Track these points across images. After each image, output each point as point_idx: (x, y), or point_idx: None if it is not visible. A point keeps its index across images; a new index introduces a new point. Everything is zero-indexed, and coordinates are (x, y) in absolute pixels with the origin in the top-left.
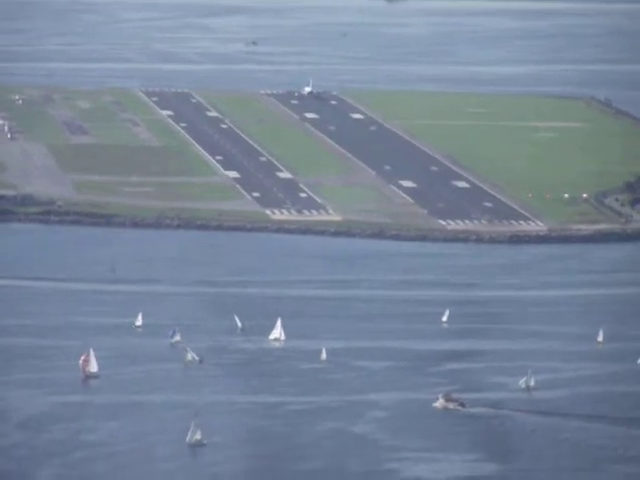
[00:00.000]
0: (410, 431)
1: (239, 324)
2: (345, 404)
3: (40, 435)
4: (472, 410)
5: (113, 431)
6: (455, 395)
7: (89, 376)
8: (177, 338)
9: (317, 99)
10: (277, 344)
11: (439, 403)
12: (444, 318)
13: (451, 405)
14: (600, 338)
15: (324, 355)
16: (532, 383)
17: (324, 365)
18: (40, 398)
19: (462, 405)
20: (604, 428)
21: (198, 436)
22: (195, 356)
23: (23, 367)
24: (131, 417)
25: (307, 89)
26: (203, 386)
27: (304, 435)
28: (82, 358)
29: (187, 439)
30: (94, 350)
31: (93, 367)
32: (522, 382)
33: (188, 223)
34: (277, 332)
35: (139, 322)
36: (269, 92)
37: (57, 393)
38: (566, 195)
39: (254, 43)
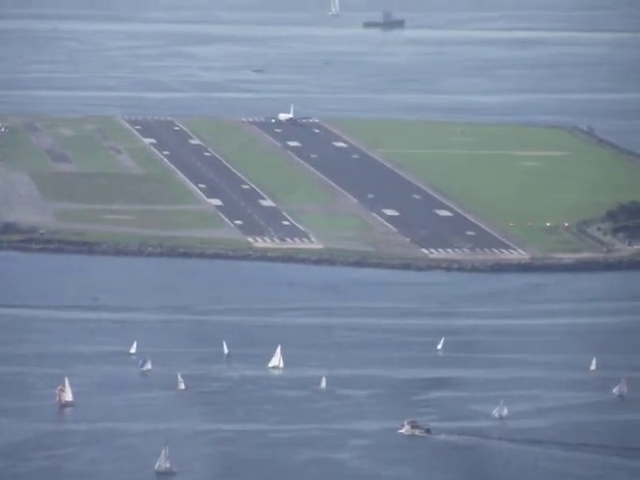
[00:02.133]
0: (390, 459)
1: (226, 351)
2: (327, 432)
3: (22, 463)
4: (439, 437)
5: (91, 460)
6: (420, 422)
7: (64, 405)
8: (148, 367)
9: (297, 125)
10: (276, 372)
11: (405, 430)
12: (439, 346)
13: (417, 432)
14: (593, 367)
15: (324, 384)
16: (505, 412)
17: (313, 394)
18: (17, 426)
19: (428, 431)
20: (575, 456)
21: (167, 464)
22: (182, 384)
23: (1, 395)
24: (102, 445)
25: (285, 115)
26: (183, 414)
27: (284, 463)
28: (59, 388)
29: (156, 467)
30: (72, 378)
31: (68, 396)
32: (495, 411)
33: (170, 251)
34: (276, 360)
35: (133, 350)
36: (250, 120)
37: (34, 421)
38: (548, 224)
39: (260, 70)
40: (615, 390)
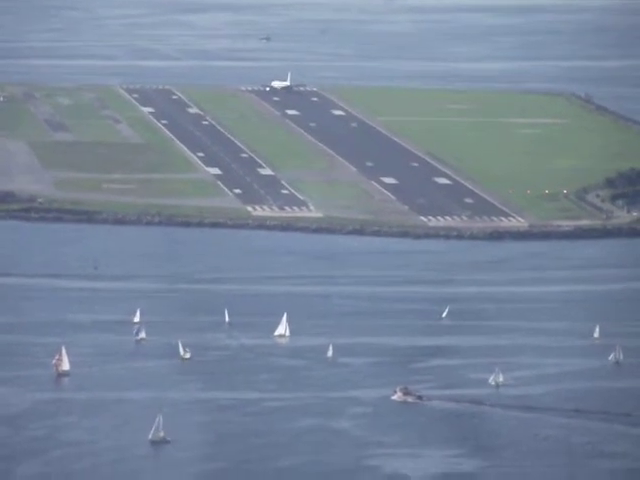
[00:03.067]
0: (388, 426)
1: (227, 319)
2: (325, 401)
3: (20, 432)
4: (431, 403)
5: (88, 429)
6: (412, 388)
7: (61, 374)
8: (142, 335)
9: (293, 93)
10: (282, 340)
11: (397, 396)
12: (444, 315)
13: (409, 398)
14: (596, 334)
15: (330, 352)
16: (500, 379)
17: (316, 362)
18: (17, 396)
19: (420, 398)
20: (568, 422)
21: (161, 433)
22: (187, 353)
23: (2, 364)
24: (98, 414)
25: (280, 83)
26: (183, 383)
27: (281, 433)
28: (56, 357)
29: (149, 436)
30: (70, 347)
31: (65, 365)
32: (491, 379)
33: (169, 220)
34: (282, 328)
35: (137, 318)
36: (248, 88)
37: (31, 391)
38: (547, 191)
39: (267, 39)
40: (611, 357)
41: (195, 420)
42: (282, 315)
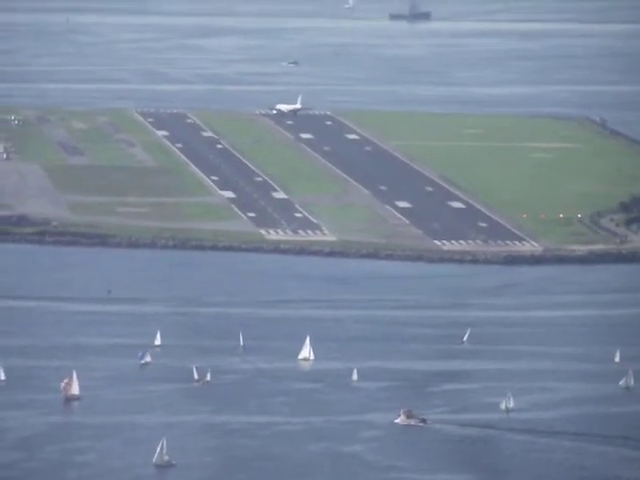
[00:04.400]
0: (404, 451)
1: (241, 343)
2: (339, 424)
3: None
4: (435, 426)
5: (98, 452)
6: (416, 411)
7: (70, 398)
8: (147, 359)
9: (299, 116)
10: (306, 364)
11: (400, 419)
12: (465, 338)
13: (413, 421)
14: (617, 359)
15: (355, 376)
16: (511, 404)
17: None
18: (28, 420)
19: (423, 421)
20: (574, 446)
21: (166, 457)
22: (196, 374)
23: (14, 388)
24: (105, 439)
25: (286, 106)
26: (195, 407)
27: (292, 456)
28: (65, 381)
29: (154, 460)
30: (82, 371)
31: (75, 389)
32: (502, 404)
33: (183, 243)
34: (306, 351)
35: (158, 342)
36: (261, 112)
37: (43, 415)
38: (561, 215)
39: (295, 63)
40: (622, 382)
41: (204, 444)
42: (303, 339)
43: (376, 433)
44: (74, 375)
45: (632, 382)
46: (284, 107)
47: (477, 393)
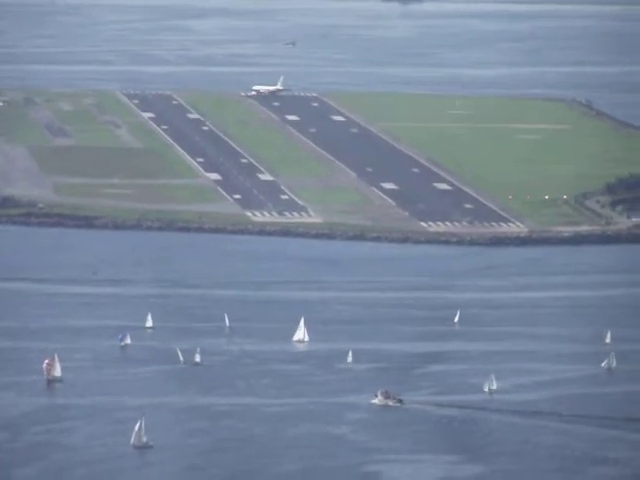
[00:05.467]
0: (389, 432)
1: (227, 324)
2: (324, 406)
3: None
4: (412, 406)
5: (79, 434)
6: (392, 392)
7: (52, 380)
8: (127, 341)
9: (277, 97)
10: (301, 346)
11: (378, 400)
12: (455, 319)
13: (390, 402)
14: (608, 339)
15: (350, 358)
16: (494, 386)
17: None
18: (9, 401)
19: (400, 402)
20: (550, 426)
21: (144, 438)
22: (181, 356)
23: None
24: (82, 420)
25: (262, 87)
26: (180, 388)
27: (279, 438)
28: (46, 362)
29: (131, 441)
30: (66, 353)
31: (57, 371)
32: (485, 385)
33: (169, 225)
34: (300, 333)
35: (149, 323)
36: (247, 94)
37: (26, 396)
38: (547, 197)
39: (292, 44)
40: (604, 364)
41: (184, 426)
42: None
43: (361, 415)
44: (56, 357)
45: (614, 363)
46: (263, 88)
47: (463, 375)
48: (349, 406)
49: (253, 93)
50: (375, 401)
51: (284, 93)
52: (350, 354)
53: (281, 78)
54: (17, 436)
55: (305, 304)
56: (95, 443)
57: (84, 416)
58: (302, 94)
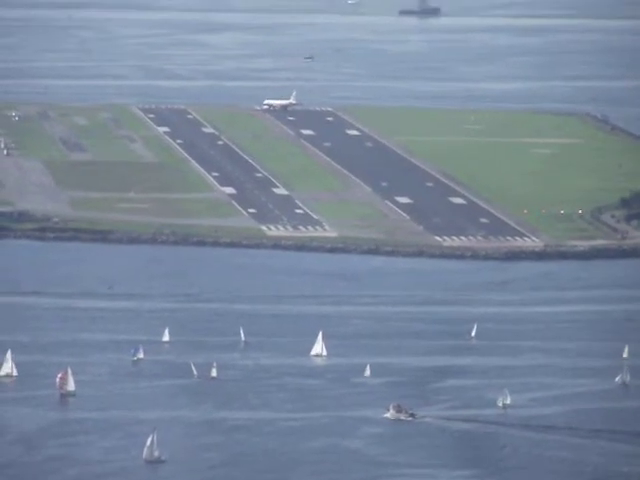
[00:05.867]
0: (404, 447)
1: (243, 338)
2: (339, 420)
3: (35, 452)
4: (425, 420)
5: (98, 449)
6: (405, 406)
7: (65, 394)
8: (140, 355)
9: (288, 112)
10: (319, 360)
11: (390, 414)
12: (473, 333)
13: (402, 416)
14: (625, 354)
15: (368, 372)
16: (508, 401)
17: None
18: (26, 416)
19: (412, 416)
20: (566, 442)
21: (155, 452)
22: (195, 370)
23: (11, 384)
24: (96, 434)
25: (274, 102)
26: (194, 403)
27: (293, 452)
28: (59, 376)
29: (143, 455)
30: (80, 367)
31: (70, 385)
32: (499, 400)
33: (184, 239)
34: (318, 348)
35: (166, 338)
36: (262, 108)
37: (43, 410)
38: (562, 211)
39: (310, 58)
40: (618, 379)
41: (198, 440)
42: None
43: (376, 429)
44: (69, 371)
45: (628, 378)
46: (275, 102)
47: (477, 389)
48: (364, 420)
49: (265, 107)
50: (387, 415)
51: (297, 107)
52: (368, 368)
53: (294, 92)
54: (31, 450)
55: (321, 318)
56: (107, 457)
57: (97, 430)
58: (317, 108)
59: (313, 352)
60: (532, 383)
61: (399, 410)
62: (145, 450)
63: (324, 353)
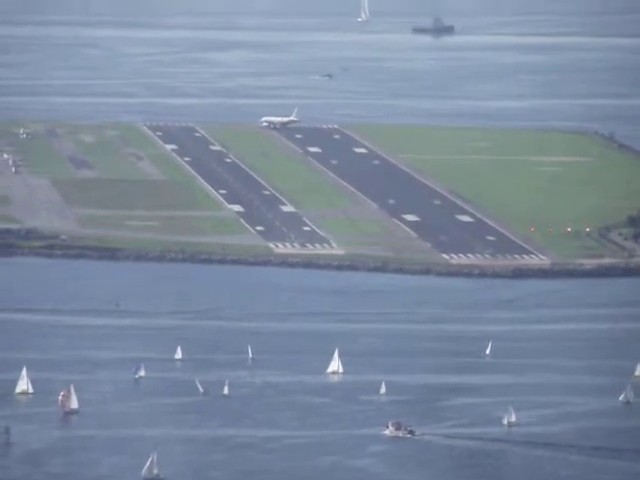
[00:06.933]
0: (411, 465)
1: (250, 356)
2: (346, 438)
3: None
4: (424, 437)
5: (97, 468)
6: (404, 423)
7: (68, 412)
8: (141, 373)
9: (286, 129)
10: (336, 377)
11: (389, 431)
12: (487, 351)
13: (400, 433)
14: (638, 372)
15: (383, 389)
16: (513, 418)
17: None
18: (31, 434)
19: (411, 433)
20: (569, 460)
21: (155, 470)
22: (200, 388)
23: (15, 401)
24: (101, 452)
25: (271, 119)
26: (202, 420)
27: (299, 470)
28: (61, 394)
29: (142, 473)
30: (86, 385)
31: (73, 403)
32: (504, 418)
33: (192, 257)
34: (335, 365)
35: (178, 355)
36: (264, 124)
37: (42, 429)
38: (569, 229)
39: (329, 76)
40: (621, 397)
41: (198, 458)
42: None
43: (382, 447)
44: (72, 389)
45: (632, 396)
46: (275, 119)
47: (483, 407)
48: (371, 438)
49: (265, 124)
50: (386, 432)
51: (299, 124)
52: (383, 385)
53: (295, 109)
54: (37, 468)
55: (330, 335)
56: (107, 475)
57: (98, 448)
58: (323, 126)
59: (330, 369)
60: (538, 401)
61: (398, 427)
62: (145, 468)
63: (340, 370)
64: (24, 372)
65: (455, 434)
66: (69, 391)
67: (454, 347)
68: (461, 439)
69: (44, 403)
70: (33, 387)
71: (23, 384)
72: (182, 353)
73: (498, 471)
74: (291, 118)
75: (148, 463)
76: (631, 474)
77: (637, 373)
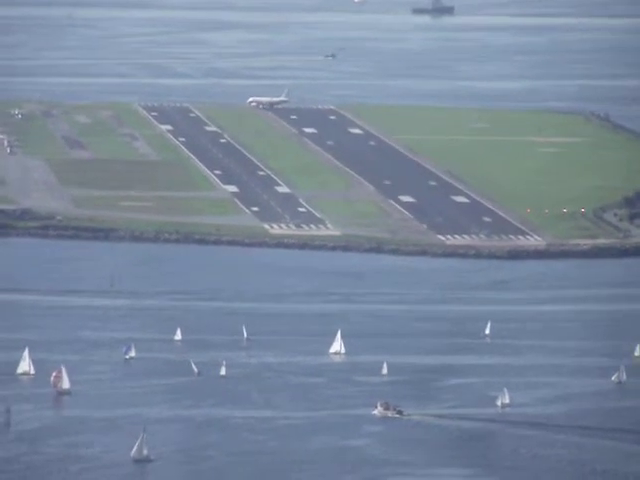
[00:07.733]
0: (405, 445)
1: (245, 336)
2: (341, 419)
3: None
4: (412, 417)
5: (82, 447)
6: (392, 403)
7: (61, 392)
8: (132, 354)
9: (273, 110)
10: (338, 358)
11: (377, 411)
12: (487, 331)
13: (389, 413)
14: (637, 353)
15: (385, 370)
16: (507, 400)
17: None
18: (24, 414)
19: (400, 413)
20: (556, 439)
21: (144, 451)
22: (195, 368)
23: (10, 382)
24: (89, 433)
25: (258, 99)
26: (197, 401)
27: (293, 451)
28: (53, 374)
29: (132, 453)
30: (79, 365)
31: (65, 384)
32: (498, 399)
33: (187, 237)
34: (337, 345)
35: (178, 337)
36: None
37: (39, 409)
38: (565, 210)
39: (333, 56)
40: (614, 377)
41: (189, 439)
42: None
43: (377, 427)
44: (63, 369)
45: (624, 377)
46: (262, 99)
47: (479, 387)
48: (365, 419)
49: (253, 104)
50: (375, 412)
51: (288, 104)
52: (385, 366)
53: (285, 89)
54: (35, 448)
55: (326, 316)
56: (96, 456)
57: (90, 429)
58: (319, 106)
59: (332, 350)
60: (532, 382)
61: (386, 407)
62: (134, 449)
63: (342, 351)
64: (26, 353)
65: (446, 414)
66: (60, 372)
67: (450, 328)
68: (451, 419)
69: (41, 384)
70: (35, 368)
71: (25, 365)
72: (182, 334)
73: (490, 451)
74: (281, 98)
75: (137, 444)
76: (624, 454)
77: (637, 353)
